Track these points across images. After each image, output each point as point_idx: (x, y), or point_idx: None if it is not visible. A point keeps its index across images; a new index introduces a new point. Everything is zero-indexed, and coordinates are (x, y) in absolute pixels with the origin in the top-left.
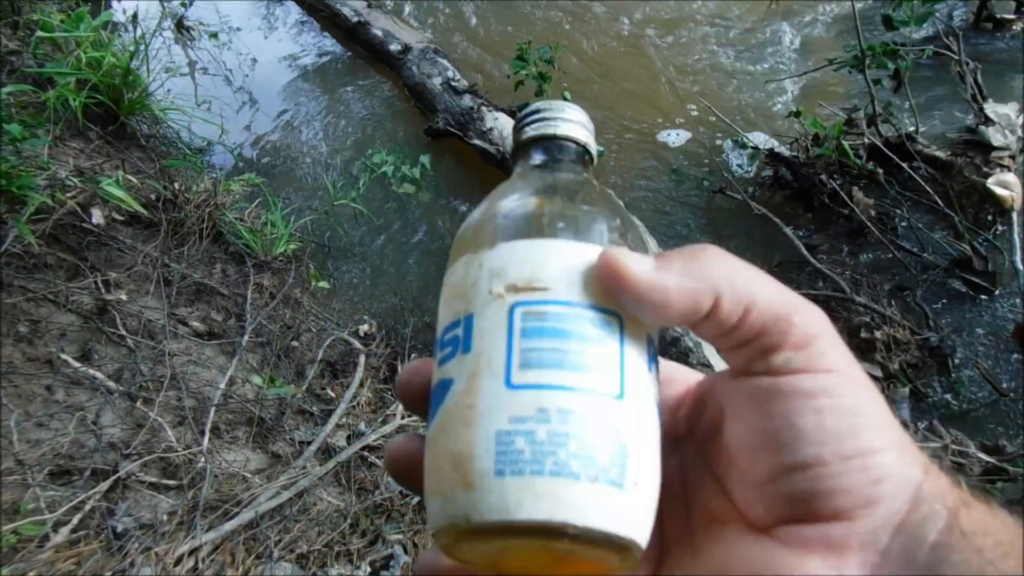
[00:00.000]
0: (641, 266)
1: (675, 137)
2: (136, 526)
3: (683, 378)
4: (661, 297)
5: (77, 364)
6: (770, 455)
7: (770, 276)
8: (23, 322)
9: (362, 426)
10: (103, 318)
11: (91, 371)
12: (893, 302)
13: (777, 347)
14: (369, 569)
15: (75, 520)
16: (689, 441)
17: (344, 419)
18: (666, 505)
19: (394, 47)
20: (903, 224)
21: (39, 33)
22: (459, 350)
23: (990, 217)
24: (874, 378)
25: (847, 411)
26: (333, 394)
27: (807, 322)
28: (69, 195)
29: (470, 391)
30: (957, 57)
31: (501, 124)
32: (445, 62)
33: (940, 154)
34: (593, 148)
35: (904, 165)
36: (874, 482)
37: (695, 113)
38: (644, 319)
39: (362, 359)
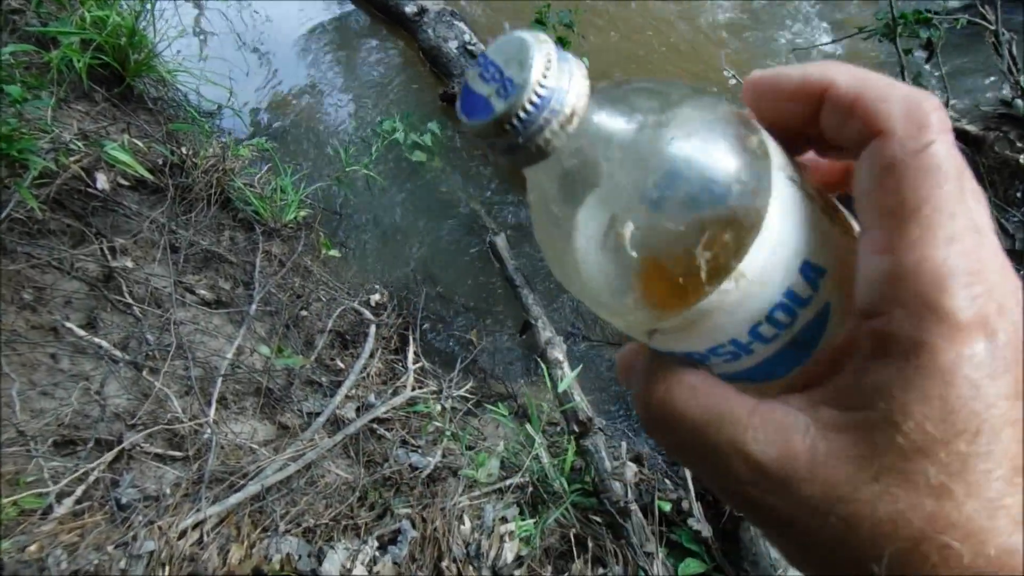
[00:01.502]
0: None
1: None
2: (140, 498)
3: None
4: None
5: (82, 332)
6: None
7: None
8: (27, 289)
9: (372, 398)
10: (109, 285)
11: (96, 339)
12: None
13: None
14: (377, 543)
15: (79, 491)
16: None
17: (354, 390)
18: None
19: (410, 9)
20: None
21: None
22: None
23: (1020, 194)
24: None
25: None
26: (343, 365)
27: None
28: (73, 159)
29: None
30: (993, 27)
31: None
32: (462, 25)
33: (971, 128)
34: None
35: None
36: None
37: (733, 81)
38: None
39: (373, 329)
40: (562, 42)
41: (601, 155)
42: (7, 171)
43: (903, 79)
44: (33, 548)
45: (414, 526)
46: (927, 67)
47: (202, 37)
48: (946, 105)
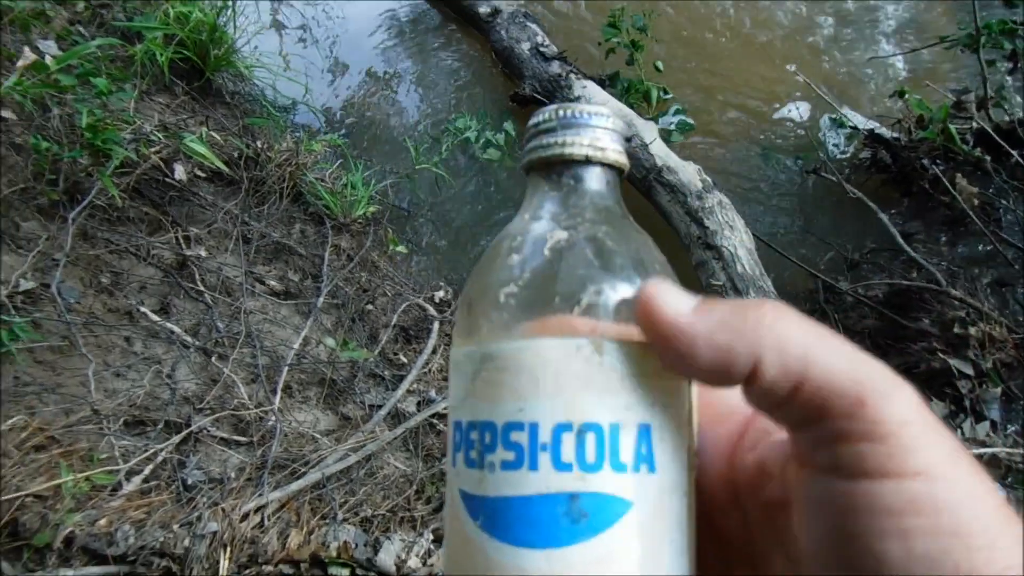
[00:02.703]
0: (678, 305)
1: (796, 111)
2: (205, 480)
3: (740, 410)
4: (686, 345)
5: (156, 317)
6: None
7: (844, 341)
8: (105, 273)
9: (432, 393)
10: (182, 273)
11: (169, 324)
12: (991, 297)
13: (844, 437)
14: (432, 536)
15: (147, 470)
16: (754, 499)
17: (415, 385)
18: (732, 557)
19: (483, 9)
20: (1008, 216)
21: None
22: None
23: None
24: (965, 376)
25: (943, 531)
26: (405, 360)
27: (885, 405)
28: (153, 150)
29: None
30: None
31: (590, 93)
32: (535, 27)
33: None
34: (624, 162)
35: (1014, 152)
36: None
37: (821, 87)
38: (670, 368)
39: (436, 326)
40: (635, 45)
41: None
42: (91, 160)
43: (984, 92)
44: (103, 522)
45: None
46: (1009, 79)
47: (280, 33)
48: None
